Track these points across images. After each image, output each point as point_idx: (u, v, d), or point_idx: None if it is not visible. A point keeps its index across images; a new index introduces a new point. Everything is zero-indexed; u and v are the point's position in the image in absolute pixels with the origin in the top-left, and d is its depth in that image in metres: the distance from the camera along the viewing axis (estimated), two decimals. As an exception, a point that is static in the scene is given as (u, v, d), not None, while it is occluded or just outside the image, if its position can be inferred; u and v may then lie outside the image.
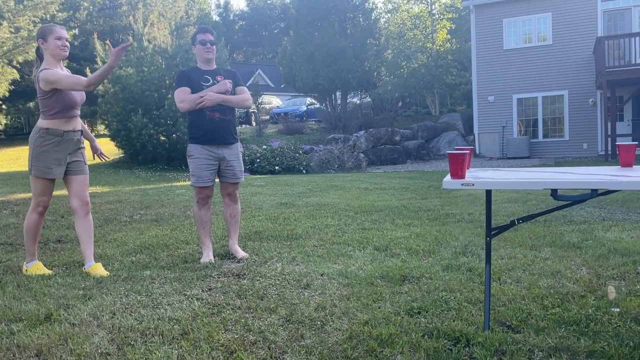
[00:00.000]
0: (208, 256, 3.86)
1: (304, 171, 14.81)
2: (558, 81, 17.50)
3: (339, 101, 22.95)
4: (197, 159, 3.83)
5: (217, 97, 3.78)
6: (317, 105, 25.17)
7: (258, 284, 3.21)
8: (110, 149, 17.21)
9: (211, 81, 3.87)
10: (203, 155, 3.83)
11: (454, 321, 2.51)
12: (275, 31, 49.97)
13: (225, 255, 4.02)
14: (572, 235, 4.44)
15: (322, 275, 3.38)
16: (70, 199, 3.68)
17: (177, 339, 2.38)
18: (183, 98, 3.78)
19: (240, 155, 4.06)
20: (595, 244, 4.07)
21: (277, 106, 28.45)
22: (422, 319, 2.56)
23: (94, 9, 28.67)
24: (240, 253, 3.97)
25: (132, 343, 2.35)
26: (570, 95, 17.45)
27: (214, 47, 3.93)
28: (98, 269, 3.54)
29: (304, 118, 24.71)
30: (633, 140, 14.15)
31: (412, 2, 26.64)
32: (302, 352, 2.24)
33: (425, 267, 3.49)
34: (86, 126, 3.86)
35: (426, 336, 2.35)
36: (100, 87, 15.16)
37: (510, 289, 3.00)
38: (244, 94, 3.99)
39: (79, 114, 3.67)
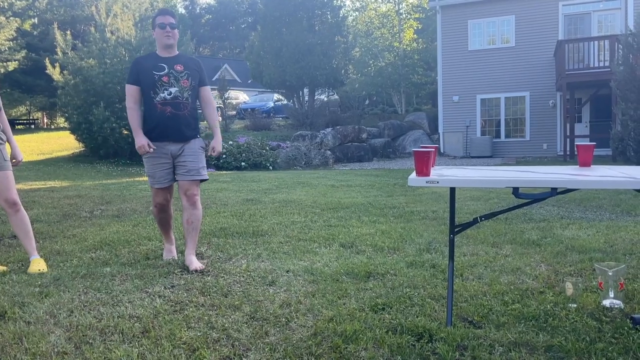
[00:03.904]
0: (170, 252, 3.74)
1: (271, 167, 14.74)
2: (520, 82, 17.92)
3: (306, 98, 22.92)
4: (151, 157, 3.50)
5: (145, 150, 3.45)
6: (285, 102, 25.07)
7: (222, 280, 3.17)
8: (70, 143, 16.75)
9: (166, 69, 3.48)
10: (155, 153, 3.49)
11: (417, 317, 2.54)
12: (243, 26, 49.52)
13: (189, 251, 3.95)
14: (531, 232, 4.55)
15: (287, 272, 3.37)
16: None
17: (138, 337, 2.33)
18: (130, 106, 3.50)
19: (200, 151, 3.60)
20: (553, 241, 4.18)
21: (244, 102, 28.19)
22: (387, 315, 2.58)
23: (55, -3, 27.81)
24: (194, 264, 3.46)
25: (90, 342, 2.28)
26: (531, 97, 17.89)
27: (175, 31, 3.53)
28: (36, 264, 3.45)
29: (271, 114, 24.57)
30: (590, 141, 14.61)
31: (380, 0, 26.84)
32: (266, 349, 2.22)
33: (390, 264, 3.52)
34: (9, 129, 3.64)
35: (390, 332, 2.37)
36: (60, 79, 14.70)
37: (472, 285, 3.05)
38: (211, 108, 3.67)
39: None
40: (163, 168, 3.51)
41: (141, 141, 3.44)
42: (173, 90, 3.48)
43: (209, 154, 3.67)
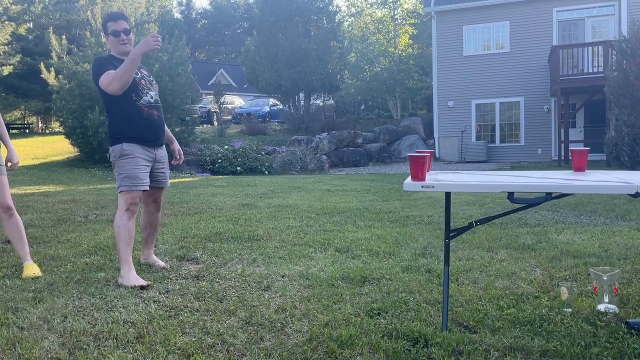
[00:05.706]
0: (138, 278, 3.20)
1: (266, 172, 14.73)
2: (515, 88, 18.01)
3: (302, 103, 22.95)
4: (137, 158, 3.28)
5: (144, 49, 3.14)
6: (280, 106, 25.10)
7: (217, 285, 3.16)
8: (65, 147, 16.69)
9: (139, 73, 3.34)
10: (141, 155, 3.31)
11: (413, 322, 2.53)
12: (239, 31, 49.56)
13: (183, 256, 3.94)
14: (526, 237, 4.56)
15: (283, 276, 3.36)
16: None
17: (132, 343, 2.31)
18: (113, 76, 3.15)
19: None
20: (548, 246, 4.19)
21: (240, 106, 28.20)
22: (382, 320, 2.58)
23: (50, 2, 27.74)
24: (160, 262, 3.66)
25: (84, 347, 2.27)
26: (526, 102, 17.98)
27: (130, 36, 3.32)
28: (30, 269, 3.43)
29: (267, 119, 24.59)
30: (585, 146, 14.69)
31: (375, 6, 26.94)
32: (261, 354, 2.21)
33: (385, 269, 3.51)
34: (4, 132, 3.59)
35: (386, 337, 2.37)
36: (55, 83, 14.66)
37: (467, 289, 3.05)
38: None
39: None
40: (146, 170, 3.35)
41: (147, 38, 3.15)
42: (152, 94, 3.40)
43: (174, 161, 3.70)
